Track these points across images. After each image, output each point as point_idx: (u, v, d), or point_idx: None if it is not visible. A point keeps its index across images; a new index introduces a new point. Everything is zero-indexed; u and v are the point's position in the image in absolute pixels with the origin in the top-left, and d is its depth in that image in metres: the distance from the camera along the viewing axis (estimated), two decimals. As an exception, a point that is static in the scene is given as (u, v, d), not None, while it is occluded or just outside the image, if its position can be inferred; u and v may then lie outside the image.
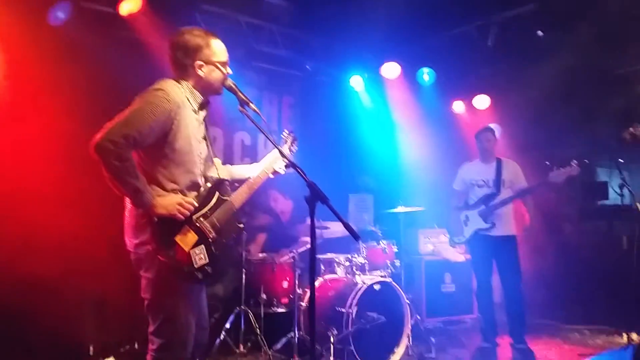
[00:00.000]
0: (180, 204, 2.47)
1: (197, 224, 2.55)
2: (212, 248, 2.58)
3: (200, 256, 2.52)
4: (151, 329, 2.53)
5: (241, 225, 2.82)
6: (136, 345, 4.55)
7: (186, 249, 2.48)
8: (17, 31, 4.24)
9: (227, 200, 2.72)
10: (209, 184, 2.67)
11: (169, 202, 2.46)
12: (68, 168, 4.27)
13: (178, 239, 2.47)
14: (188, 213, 2.49)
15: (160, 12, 4.91)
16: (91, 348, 4.17)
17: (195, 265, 2.50)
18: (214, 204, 2.65)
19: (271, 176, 3.01)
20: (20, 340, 3.99)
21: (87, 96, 4.47)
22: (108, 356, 4.35)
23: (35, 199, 4.14)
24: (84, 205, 4.28)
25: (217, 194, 2.68)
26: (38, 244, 4.07)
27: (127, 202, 2.55)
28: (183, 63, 2.61)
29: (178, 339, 2.51)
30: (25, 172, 4.19)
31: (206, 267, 2.54)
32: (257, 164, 3.05)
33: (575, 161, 4.61)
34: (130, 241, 2.55)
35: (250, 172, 3.01)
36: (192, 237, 2.52)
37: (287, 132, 3.23)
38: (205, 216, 2.59)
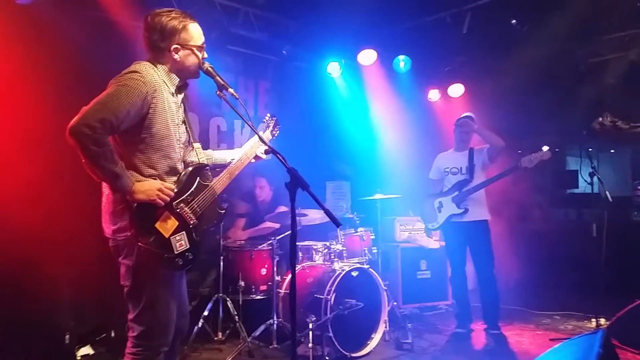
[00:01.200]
0: (160, 190, 2.41)
1: (177, 209, 2.50)
2: (193, 234, 2.54)
3: (180, 242, 2.48)
4: (131, 316, 2.49)
5: (222, 211, 2.78)
6: (112, 334, 4.47)
7: (166, 235, 2.43)
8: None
9: (208, 185, 2.67)
10: (189, 169, 2.61)
11: (149, 187, 2.40)
12: (39, 149, 4.14)
13: (158, 225, 2.42)
14: (168, 199, 2.44)
15: (132, -8, 4.76)
16: (67, 337, 4.08)
17: (175, 252, 2.45)
18: (195, 189, 2.60)
19: (253, 161, 2.97)
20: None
21: (56, 77, 4.32)
22: (84, 345, 4.27)
23: (4, 183, 4.00)
24: (58, 189, 4.17)
25: (197, 179, 2.63)
26: (9, 230, 3.94)
27: (105, 187, 2.49)
28: (159, 46, 2.53)
29: (159, 326, 2.48)
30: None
31: (187, 254, 2.50)
32: (239, 149, 3.00)
33: (546, 146, 4.69)
34: (108, 228, 2.48)
35: (232, 156, 2.96)
36: (172, 223, 2.47)
37: (269, 116, 3.18)
38: (185, 202, 2.54)
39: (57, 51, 4.40)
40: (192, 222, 2.54)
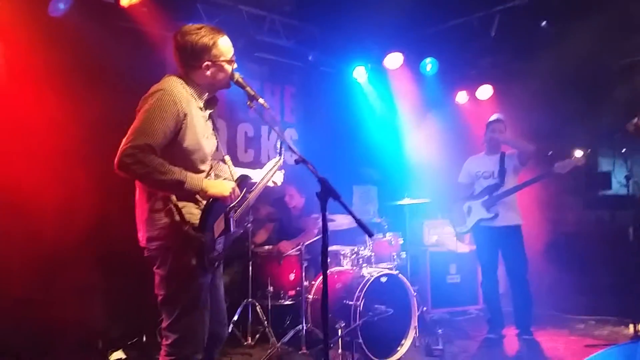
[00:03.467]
0: (233, 188, 2.52)
1: (230, 215, 2.55)
2: (227, 241, 2.62)
3: (220, 246, 2.57)
4: (165, 324, 2.52)
5: (248, 225, 2.82)
6: (144, 338, 4.55)
7: (216, 236, 2.52)
8: (17, 23, 4.20)
9: (247, 198, 2.71)
10: (239, 178, 2.68)
11: (221, 183, 2.53)
12: (73, 158, 4.23)
13: (216, 225, 2.50)
14: (235, 200, 2.54)
15: (161, 3, 4.83)
16: (100, 342, 4.17)
17: (214, 253, 2.52)
18: (241, 199, 2.65)
19: (270, 184, 2.98)
20: (30, 335, 3.98)
21: (88, 87, 4.42)
22: (116, 349, 4.34)
23: (38, 191, 4.11)
24: (92, 196, 4.26)
25: (245, 189, 2.69)
26: (42, 236, 4.04)
27: (137, 196, 2.53)
28: (190, 64, 2.56)
29: (192, 334, 2.50)
30: (28, 165, 4.15)
31: (220, 258, 2.58)
32: (259, 170, 3.00)
33: (580, 151, 4.61)
34: (142, 237, 2.52)
35: (251, 175, 2.97)
36: (221, 226, 2.54)
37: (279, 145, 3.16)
38: (234, 210, 2.59)
39: (88, 61, 4.50)
40: (232, 230, 2.58)
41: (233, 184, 2.55)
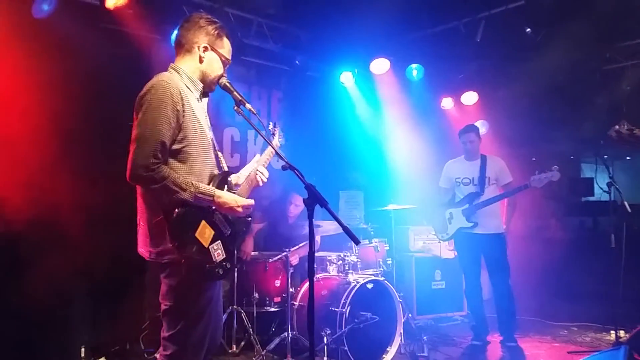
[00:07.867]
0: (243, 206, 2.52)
1: (214, 219, 2.49)
2: (228, 243, 2.53)
3: (218, 252, 2.47)
4: (165, 334, 2.45)
5: (249, 218, 2.76)
6: (127, 346, 4.48)
7: (206, 245, 2.42)
8: (0, 24, 4.11)
9: (235, 192, 2.65)
10: (217, 177, 2.59)
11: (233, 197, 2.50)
12: (56, 161, 4.14)
13: (197, 234, 2.41)
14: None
15: (147, 5, 4.78)
16: (82, 350, 4.10)
17: (215, 261, 2.44)
18: None
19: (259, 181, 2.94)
20: (11, 343, 3.89)
21: (72, 88, 4.34)
22: (99, 357, 4.27)
23: (25, 192, 4.01)
24: (74, 203, 4.17)
25: (226, 187, 2.61)
26: (25, 242, 3.97)
27: (142, 210, 2.46)
28: (191, 40, 2.56)
29: (193, 346, 2.45)
30: (12, 169, 4.06)
31: (224, 263, 2.49)
32: (249, 163, 2.96)
33: (556, 166, 4.69)
34: (149, 251, 2.44)
35: (242, 170, 2.94)
36: (209, 232, 2.46)
37: (272, 125, 3.15)
38: (216, 210, 2.52)
39: (73, 63, 4.42)
40: (227, 232, 2.53)
41: (241, 200, 2.52)
